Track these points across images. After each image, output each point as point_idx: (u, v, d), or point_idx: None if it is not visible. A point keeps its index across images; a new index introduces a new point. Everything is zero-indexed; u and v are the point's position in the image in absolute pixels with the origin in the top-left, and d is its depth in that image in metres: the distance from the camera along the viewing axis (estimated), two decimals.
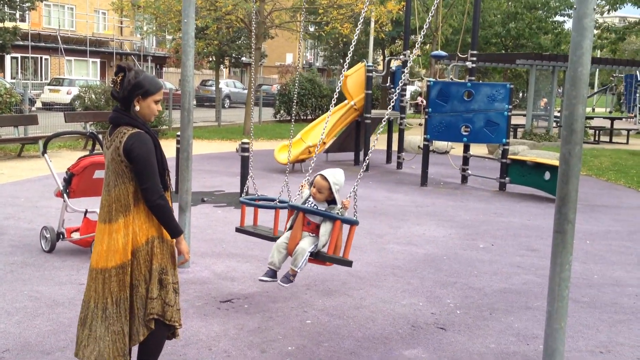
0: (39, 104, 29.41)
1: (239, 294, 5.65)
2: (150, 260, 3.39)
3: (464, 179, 12.89)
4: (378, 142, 18.06)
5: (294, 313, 5.23)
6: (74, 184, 6.48)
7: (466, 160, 12.90)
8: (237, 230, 5.60)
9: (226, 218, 8.64)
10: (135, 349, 3.60)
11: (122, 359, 3.37)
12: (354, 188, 4.46)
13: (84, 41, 42.03)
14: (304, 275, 6.27)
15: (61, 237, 6.64)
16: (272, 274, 4.49)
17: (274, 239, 5.45)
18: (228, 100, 39.75)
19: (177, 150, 10.72)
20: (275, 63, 56.00)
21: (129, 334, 3.38)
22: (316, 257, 4.37)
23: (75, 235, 6.66)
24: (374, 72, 14.32)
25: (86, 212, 6.66)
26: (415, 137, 17.75)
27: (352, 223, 4.40)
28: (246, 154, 9.87)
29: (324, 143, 13.62)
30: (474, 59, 12.53)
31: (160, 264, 3.42)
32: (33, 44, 38.34)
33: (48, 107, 25.95)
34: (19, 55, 38.18)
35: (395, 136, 15.76)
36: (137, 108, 3.39)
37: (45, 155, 6.92)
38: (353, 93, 13.71)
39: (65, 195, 6.51)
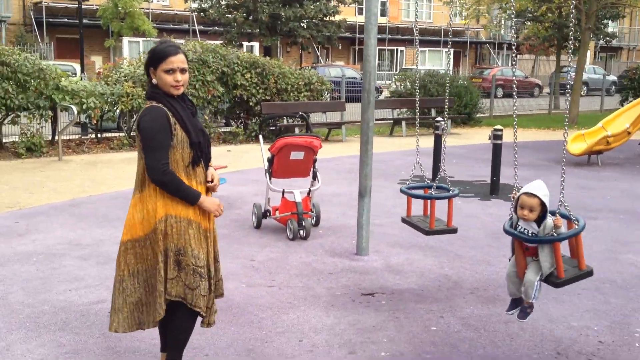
0: (386, 93, 31.17)
1: (390, 288, 5.25)
2: (163, 240, 3.31)
3: None
4: None
5: (427, 317, 4.66)
6: (275, 164, 6.72)
7: None
8: (403, 221, 5.31)
9: (460, 210, 8.04)
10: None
11: (137, 327, 3.42)
12: (561, 194, 3.79)
13: (439, 32, 43.24)
14: (479, 277, 5.56)
15: (267, 214, 6.96)
16: (515, 304, 4.07)
17: (430, 232, 5.05)
18: (585, 88, 36.93)
19: (437, 138, 10.42)
20: None
21: (151, 304, 3.37)
22: (548, 282, 3.79)
23: (278, 214, 6.91)
24: None
25: (284, 192, 6.87)
26: None
27: (575, 234, 3.74)
28: (498, 141, 9.10)
29: (629, 133, 11.76)
30: None
31: (176, 245, 3.31)
32: (390, 36, 40.77)
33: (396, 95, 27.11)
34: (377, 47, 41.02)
35: None
36: (154, 81, 3.35)
37: (260, 135, 7.31)
38: None
39: (267, 175, 6.81)
